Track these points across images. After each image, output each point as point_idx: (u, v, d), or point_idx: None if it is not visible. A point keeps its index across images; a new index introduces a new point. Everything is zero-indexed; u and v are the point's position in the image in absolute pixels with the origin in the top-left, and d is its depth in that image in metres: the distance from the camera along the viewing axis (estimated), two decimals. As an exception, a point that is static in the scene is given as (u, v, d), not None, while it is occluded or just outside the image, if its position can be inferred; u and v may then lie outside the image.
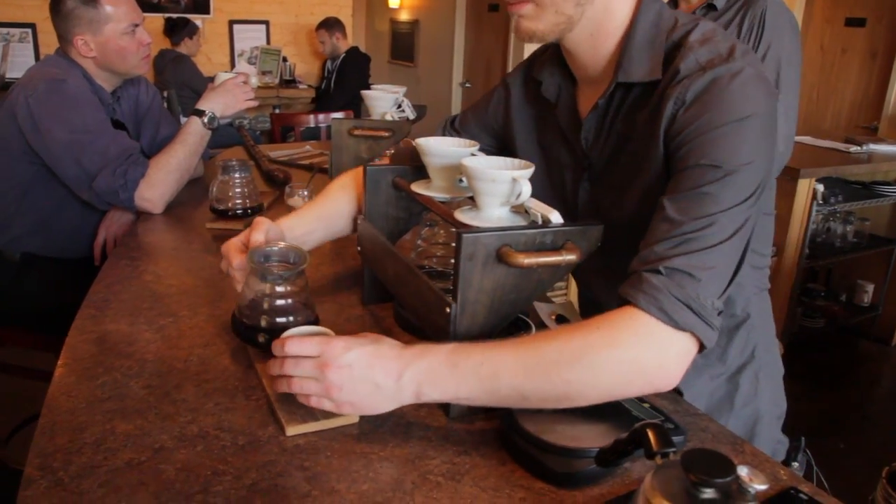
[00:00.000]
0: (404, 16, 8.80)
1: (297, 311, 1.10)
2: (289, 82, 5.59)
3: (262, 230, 1.16)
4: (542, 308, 1.31)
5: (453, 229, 1.15)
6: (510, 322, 0.99)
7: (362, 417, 0.95)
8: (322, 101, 5.23)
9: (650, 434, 0.65)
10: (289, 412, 0.94)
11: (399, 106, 1.94)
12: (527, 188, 0.95)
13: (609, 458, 0.73)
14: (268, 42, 5.75)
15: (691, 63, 0.95)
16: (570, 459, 0.82)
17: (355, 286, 1.41)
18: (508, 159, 1.03)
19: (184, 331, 1.21)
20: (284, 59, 5.64)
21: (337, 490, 0.82)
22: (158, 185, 1.88)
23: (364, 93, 1.91)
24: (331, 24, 5.38)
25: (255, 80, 2.09)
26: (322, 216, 1.32)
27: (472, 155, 1.08)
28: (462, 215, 1.00)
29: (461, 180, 1.16)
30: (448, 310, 0.91)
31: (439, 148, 1.11)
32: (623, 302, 0.87)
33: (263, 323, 1.08)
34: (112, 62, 2.02)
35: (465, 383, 0.84)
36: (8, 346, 2.19)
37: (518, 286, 0.94)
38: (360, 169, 1.28)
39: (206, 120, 1.99)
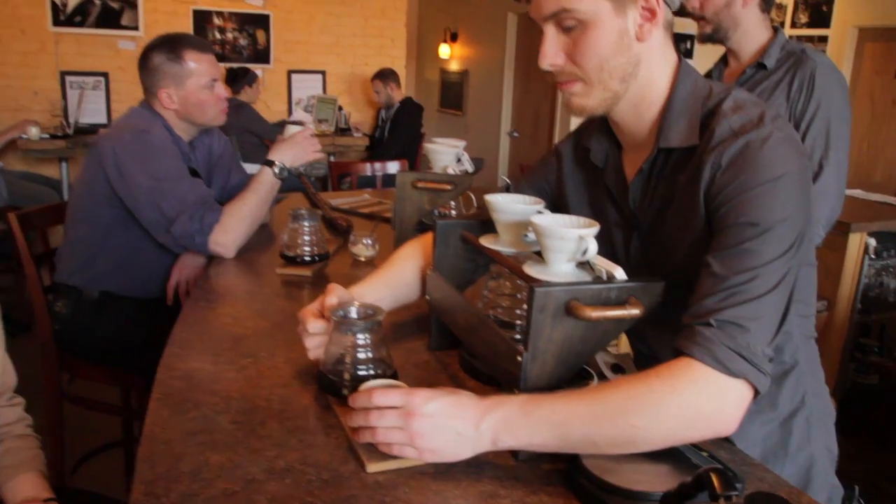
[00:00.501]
0: (454, 66, 9.00)
1: (376, 363, 1.17)
2: (344, 130, 5.77)
3: (335, 295, 1.25)
4: (599, 357, 1.37)
5: (520, 282, 1.22)
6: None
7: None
8: (376, 149, 5.39)
9: (714, 478, 0.71)
10: (368, 450, 1.00)
11: (459, 160, 2.03)
12: (593, 246, 1.03)
13: (674, 501, 0.79)
14: (324, 91, 5.96)
15: (725, 129, 1.03)
16: (635, 502, 0.87)
17: (420, 333, 1.48)
18: (574, 217, 1.10)
19: (263, 371, 1.29)
20: (340, 108, 5.83)
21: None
22: (231, 230, 1.99)
23: (427, 146, 2.01)
24: (386, 75, 5.57)
25: (311, 128, 2.23)
26: (390, 284, 1.40)
27: (539, 213, 1.16)
28: (531, 270, 1.07)
29: (527, 235, 1.24)
30: (520, 358, 0.98)
31: (508, 205, 1.19)
32: (679, 354, 0.94)
33: (347, 376, 1.16)
34: (192, 114, 2.16)
35: (538, 431, 0.91)
36: (80, 379, 2.31)
37: (584, 338, 1.00)
38: (425, 237, 1.38)
39: (276, 170, 2.11)
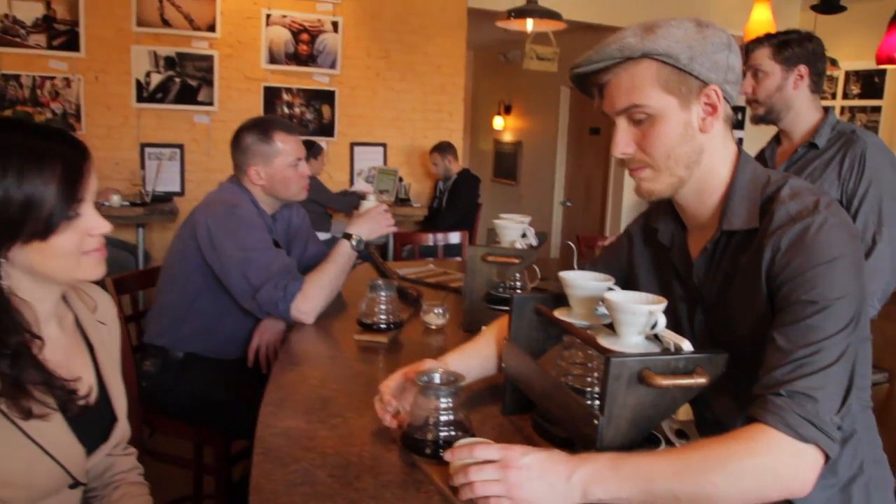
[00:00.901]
0: (508, 137, 9.25)
1: (457, 426, 1.28)
2: (403, 201, 5.98)
3: (426, 365, 1.39)
4: (665, 423, 1.45)
5: (591, 352, 1.33)
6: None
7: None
8: (434, 220, 5.57)
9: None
10: None
11: (524, 234, 2.16)
12: (662, 320, 1.13)
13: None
14: (384, 163, 6.20)
15: (783, 215, 1.16)
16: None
17: (494, 399, 1.59)
18: (644, 294, 1.21)
19: (353, 430, 1.40)
20: (400, 179, 6.05)
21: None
22: (312, 298, 2.14)
23: (495, 222, 2.14)
24: (444, 149, 5.79)
25: (373, 199, 2.40)
26: (479, 355, 1.54)
27: (610, 289, 1.27)
28: (604, 341, 1.18)
29: (597, 309, 1.35)
30: (596, 421, 1.08)
31: (581, 282, 1.30)
32: (752, 421, 1.04)
33: (430, 437, 1.27)
34: (277, 190, 2.35)
35: (625, 485, 1.01)
36: (160, 434, 2.44)
37: (655, 403, 1.10)
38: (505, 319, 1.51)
39: (354, 243, 2.26)
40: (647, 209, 1.49)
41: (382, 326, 2.00)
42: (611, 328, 1.27)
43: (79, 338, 1.31)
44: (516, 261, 2.01)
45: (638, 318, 1.15)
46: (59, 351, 1.22)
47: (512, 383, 1.48)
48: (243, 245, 2.16)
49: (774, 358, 1.08)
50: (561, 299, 1.43)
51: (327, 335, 2.10)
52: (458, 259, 3.80)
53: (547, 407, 1.28)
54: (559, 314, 1.35)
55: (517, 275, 2.22)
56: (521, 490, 1.04)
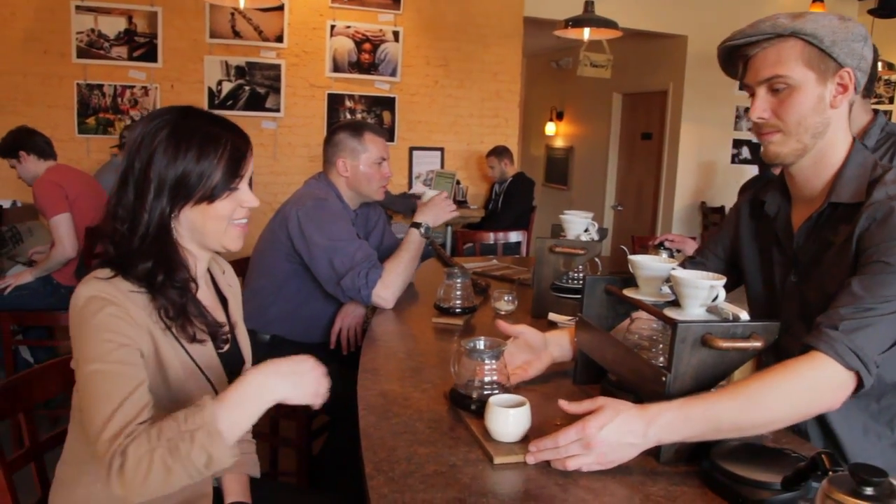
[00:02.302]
0: (559, 142, 9.38)
1: (498, 385, 1.47)
2: (461, 203, 6.17)
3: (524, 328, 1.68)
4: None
5: (655, 325, 1.50)
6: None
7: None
8: (490, 221, 5.76)
9: (824, 458, 0.96)
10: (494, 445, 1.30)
11: (587, 229, 2.33)
12: (722, 293, 1.31)
13: (793, 481, 1.03)
14: (442, 166, 6.41)
15: (882, 194, 1.36)
16: (761, 489, 1.12)
17: (564, 374, 1.76)
18: (704, 272, 1.38)
19: (441, 394, 1.59)
20: (458, 182, 6.25)
21: (585, 500, 1.16)
22: (390, 284, 2.34)
23: (561, 216, 2.32)
24: (500, 152, 5.98)
25: (423, 197, 2.68)
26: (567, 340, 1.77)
27: (674, 269, 1.44)
28: (670, 313, 1.35)
29: (661, 288, 1.52)
30: (664, 378, 1.25)
31: (648, 264, 1.48)
32: (807, 349, 1.24)
33: (475, 394, 1.46)
34: (359, 183, 2.56)
35: (696, 428, 1.20)
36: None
37: (715, 364, 1.26)
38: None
39: (422, 230, 2.46)
40: (756, 186, 1.73)
41: (458, 310, 2.18)
42: (674, 305, 1.44)
43: (215, 294, 1.56)
44: (581, 252, 2.19)
45: (700, 292, 1.32)
46: (206, 302, 1.48)
47: (583, 355, 1.65)
48: (330, 235, 2.37)
49: (844, 299, 1.28)
50: (627, 282, 1.60)
51: (406, 319, 2.30)
52: (517, 256, 3.98)
53: (618, 372, 1.46)
54: (628, 292, 1.53)
55: (580, 266, 2.39)
56: (607, 456, 1.22)
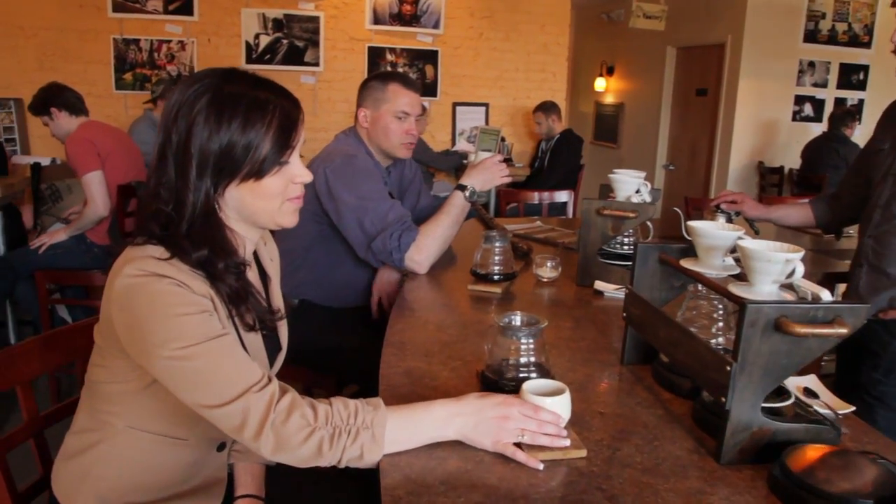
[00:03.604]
0: (609, 99, 9.05)
1: (537, 367, 1.29)
2: (506, 161, 5.95)
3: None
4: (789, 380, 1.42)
5: (716, 302, 1.31)
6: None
7: (616, 453, 1.12)
8: (535, 180, 5.53)
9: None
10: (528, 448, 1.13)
11: (638, 190, 2.13)
12: (800, 268, 1.11)
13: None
14: (486, 122, 6.19)
15: None
16: (846, 506, 0.94)
17: (610, 350, 1.59)
18: (778, 244, 1.18)
19: (473, 373, 1.43)
20: (503, 139, 6.03)
21: (633, 509, 1.00)
22: (425, 249, 2.17)
23: (611, 176, 2.12)
24: (548, 108, 5.72)
25: (473, 157, 2.43)
26: None
27: (740, 238, 1.24)
28: (737, 290, 1.16)
29: (724, 259, 1.32)
30: (728, 368, 1.07)
31: (711, 231, 1.28)
32: None
33: (508, 376, 1.29)
34: (378, 137, 2.38)
35: None
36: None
37: (790, 352, 1.07)
38: None
39: (467, 194, 2.27)
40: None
41: (496, 277, 2.01)
42: (738, 279, 1.25)
43: (258, 273, 1.40)
44: (632, 214, 1.99)
45: (774, 266, 1.12)
46: (252, 281, 1.32)
47: (632, 332, 1.47)
48: (360, 193, 2.21)
49: None
50: (685, 251, 1.41)
51: (440, 285, 2.14)
52: (563, 217, 3.78)
53: (672, 355, 1.27)
54: (686, 264, 1.34)
55: (630, 231, 2.19)
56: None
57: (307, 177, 1.26)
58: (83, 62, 5.41)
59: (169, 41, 5.49)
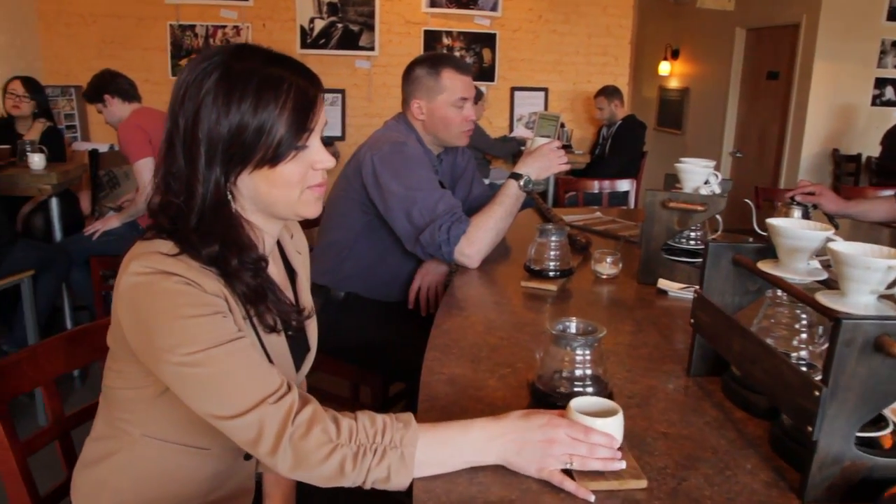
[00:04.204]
0: (674, 83, 8.76)
1: (593, 381, 1.16)
2: (566, 147, 5.77)
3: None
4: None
5: (800, 312, 1.15)
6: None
7: (681, 484, 0.98)
8: (595, 167, 5.34)
9: None
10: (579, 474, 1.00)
11: (707, 181, 1.96)
12: (904, 277, 0.94)
13: None
14: (545, 108, 6.01)
15: None
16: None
17: (676, 357, 1.44)
18: (876, 247, 1.02)
19: (523, 382, 1.30)
20: (562, 125, 5.85)
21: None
22: (477, 242, 2.04)
23: (678, 166, 1.96)
24: (610, 92, 5.51)
25: (530, 144, 2.27)
26: None
27: (831, 239, 1.08)
28: (825, 300, 1.00)
29: (809, 263, 1.17)
30: (818, 393, 0.92)
31: (796, 231, 1.12)
32: None
33: (561, 390, 1.15)
34: (436, 128, 2.26)
35: None
36: (318, 371, 2.45)
37: (892, 378, 0.92)
38: None
39: (521, 183, 2.13)
40: None
41: (551, 274, 1.88)
42: (829, 286, 1.10)
43: (283, 267, 1.30)
44: (701, 207, 1.83)
45: (872, 274, 0.96)
46: (276, 279, 1.22)
47: (701, 341, 1.32)
48: (408, 183, 2.09)
49: None
50: (763, 252, 1.25)
51: (492, 281, 2.01)
52: (625, 208, 3.60)
53: (748, 371, 1.12)
54: (764, 267, 1.18)
55: (698, 225, 2.03)
56: None
57: (329, 162, 1.13)
58: (141, 49, 5.42)
59: (224, 26, 5.46)
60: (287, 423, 0.98)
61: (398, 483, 0.99)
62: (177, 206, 1.06)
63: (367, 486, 1.01)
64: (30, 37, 5.29)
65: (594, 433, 1.00)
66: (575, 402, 1.05)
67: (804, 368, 1.15)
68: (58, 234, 3.83)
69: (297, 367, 1.30)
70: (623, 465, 0.99)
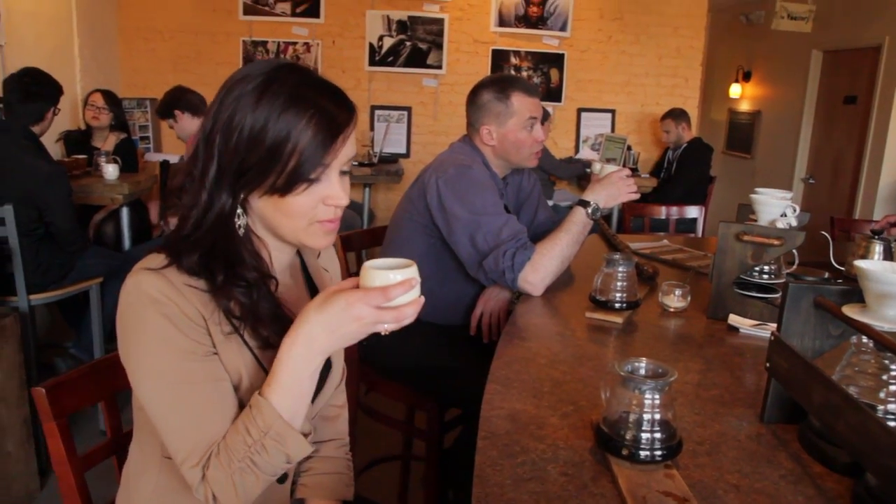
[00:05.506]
0: (745, 106, 8.55)
1: (662, 426, 1.10)
2: (633, 171, 5.69)
3: None
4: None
5: (889, 362, 1.08)
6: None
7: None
8: (661, 190, 5.23)
9: None
10: None
11: (784, 213, 1.88)
12: None
13: None
14: (612, 130, 5.93)
15: None
16: None
17: (749, 401, 1.37)
18: (977, 297, 0.95)
19: (587, 422, 1.26)
20: (629, 148, 5.76)
21: None
22: (541, 269, 2.00)
23: (753, 197, 1.89)
24: (678, 115, 5.41)
25: (598, 167, 2.19)
26: None
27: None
28: (920, 353, 0.93)
29: (900, 309, 1.09)
30: (911, 456, 0.85)
31: (887, 275, 1.06)
32: None
33: (628, 435, 1.10)
34: (507, 152, 2.23)
35: None
36: (375, 393, 2.44)
37: None
38: None
39: (589, 210, 2.08)
40: None
41: (617, 305, 1.83)
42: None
43: (305, 285, 1.28)
44: (777, 242, 1.75)
45: (974, 328, 0.89)
46: (290, 298, 1.19)
47: (778, 386, 1.25)
48: (473, 208, 2.06)
49: None
50: (847, 294, 1.19)
51: (555, 309, 1.97)
52: (692, 235, 3.51)
53: (829, 423, 1.05)
54: (850, 312, 1.11)
55: (773, 260, 1.94)
56: None
57: (342, 200, 1.09)
58: (213, 63, 5.55)
59: (295, 43, 5.56)
60: (206, 486, 1.03)
61: (298, 452, 1.04)
62: (183, 214, 1.07)
63: (280, 474, 1.07)
64: (110, 51, 5.47)
65: (390, 289, 0.99)
66: (369, 262, 1.04)
67: (893, 424, 1.08)
68: (127, 242, 3.92)
69: (320, 388, 1.26)
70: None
